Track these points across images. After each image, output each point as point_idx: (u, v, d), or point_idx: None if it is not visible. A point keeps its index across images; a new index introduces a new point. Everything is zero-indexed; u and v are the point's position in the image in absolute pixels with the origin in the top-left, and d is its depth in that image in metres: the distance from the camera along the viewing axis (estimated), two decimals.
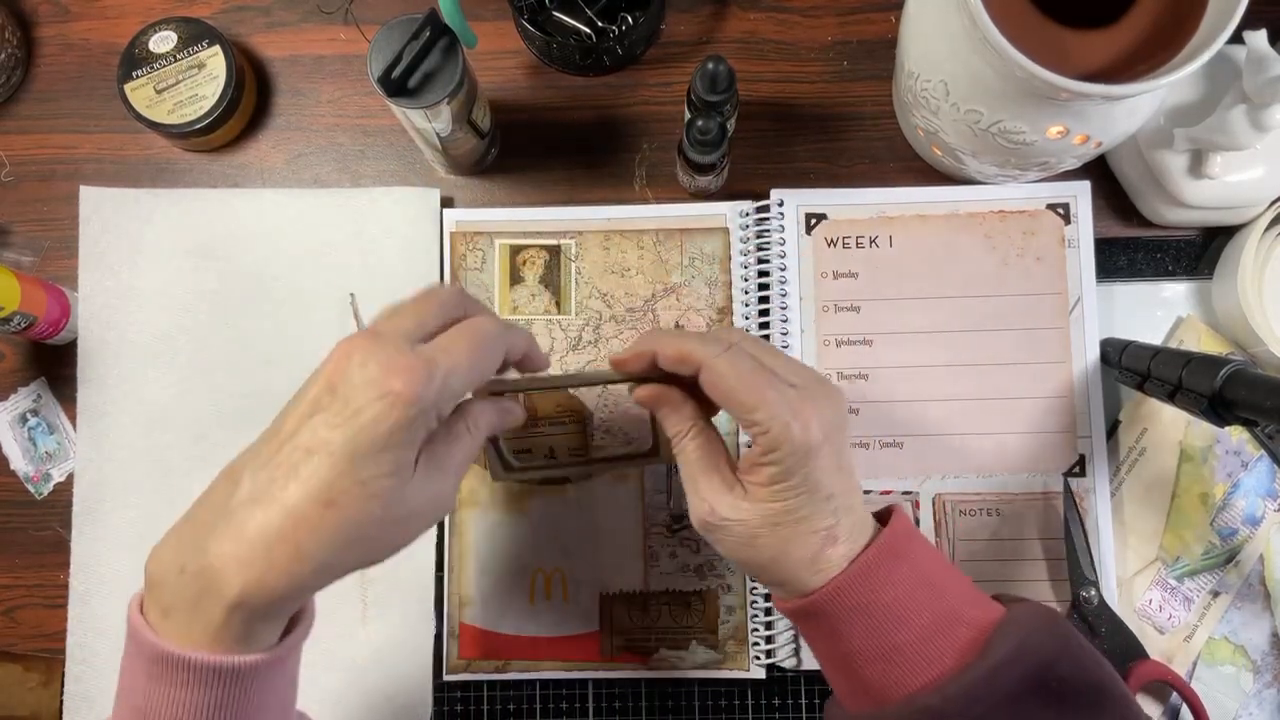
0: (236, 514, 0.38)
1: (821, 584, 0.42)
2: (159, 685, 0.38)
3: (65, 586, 0.60)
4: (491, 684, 0.60)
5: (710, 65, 0.53)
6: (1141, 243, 0.63)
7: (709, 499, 0.44)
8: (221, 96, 0.61)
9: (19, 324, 0.57)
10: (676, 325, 0.61)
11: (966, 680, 0.40)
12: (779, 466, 0.42)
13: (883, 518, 0.45)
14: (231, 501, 0.38)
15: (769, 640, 0.59)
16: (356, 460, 0.38)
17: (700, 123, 0.54)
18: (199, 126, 0.61)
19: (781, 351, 0.46)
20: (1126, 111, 0.51)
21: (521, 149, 0.64)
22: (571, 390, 0.61)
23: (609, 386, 0.61)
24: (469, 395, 0.47)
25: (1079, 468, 0.59)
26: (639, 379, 0.48)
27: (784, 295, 0.61)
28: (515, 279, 0.62)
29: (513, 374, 0.49)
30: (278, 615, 0.39)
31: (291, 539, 0.37)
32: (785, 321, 0.60)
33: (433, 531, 0.60)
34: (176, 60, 0.61)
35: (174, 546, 0.39)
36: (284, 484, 0.38)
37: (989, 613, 0.43)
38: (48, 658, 0.61)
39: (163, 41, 0.62)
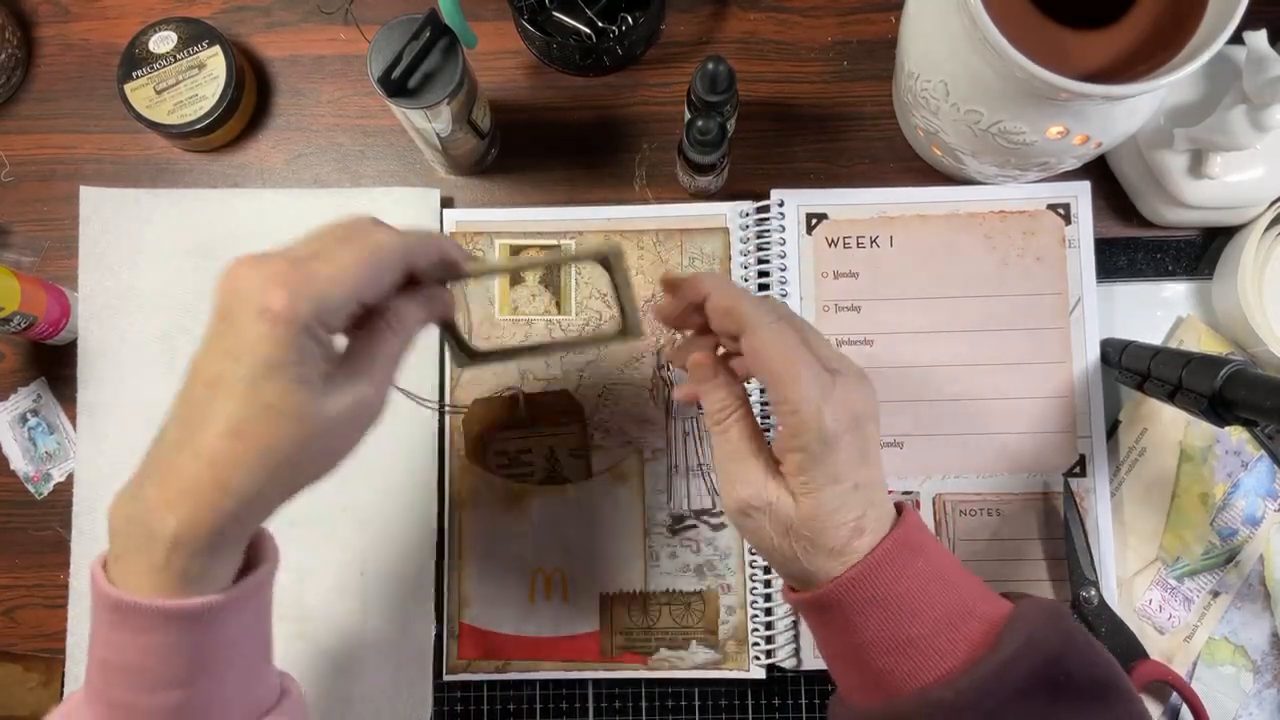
0: (164, 457, 0.39)
1: (842, 573, 0.42)
2: (118, 633, 0.39)
3: (65, 586, 0.60)
4: (491, 684, 0.60)
5: (710, 65, 0.53)
6: (1141, 243, 0.63)
7: (754, 482, 0.43)
8: (221, 97, 0.61)
9: (19, 324, 0.57)
10: None
11: (978, 674, 0.40)
12: (803, 453, 0.42)
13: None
14: (161, 445, 0.39)
15: (769, 640, 0.59)
16: (255, 385, 0.37)
17: (700, 123, 0.54)
18: (199, 127, 0.61)
19: (824, 337, 0.46)
20: (1126, 111, 0.51)
21: (521, 149, 0.64)
22: (572, 390, 0.61)
23: (609, 388, 0.61)
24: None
25: (1079, 468, 0.59)
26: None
27: (784, 295, 0.61)
28: (515, 279, 0.62)
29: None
30: (221, 552, 0.39)
31: (211, 476, 0.37)
32: None
33: (433, 531, 0.60)
34: (176, 60, 0.61)
35: (123, 496, 0.40)
36: (197, 422, 0.38)
37: (998, 607, 0.43)
38: (48, 658, 0.61)
39: (163, 41, 0.62)
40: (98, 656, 0.40)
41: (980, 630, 0.42)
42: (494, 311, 0.62)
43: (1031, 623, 0.41)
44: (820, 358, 0.43)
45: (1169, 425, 0.60)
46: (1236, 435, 0.60)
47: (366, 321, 0.42)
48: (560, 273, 0.62)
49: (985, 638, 0.41)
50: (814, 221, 0.62)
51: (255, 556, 0.42)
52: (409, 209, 0.62)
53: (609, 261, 0.48)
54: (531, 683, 0.60)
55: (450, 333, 0.51)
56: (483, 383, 0.61)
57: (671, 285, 0.47)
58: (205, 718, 0.40)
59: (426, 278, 0.45)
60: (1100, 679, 0.41)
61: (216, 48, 0.61)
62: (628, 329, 0.51)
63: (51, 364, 0.63)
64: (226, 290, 0.39)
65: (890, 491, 0.59)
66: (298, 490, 0.40)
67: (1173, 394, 0.51)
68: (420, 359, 0.61)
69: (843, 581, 0.42)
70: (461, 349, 0.52)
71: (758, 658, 0.59)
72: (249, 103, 0.64)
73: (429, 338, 0.61)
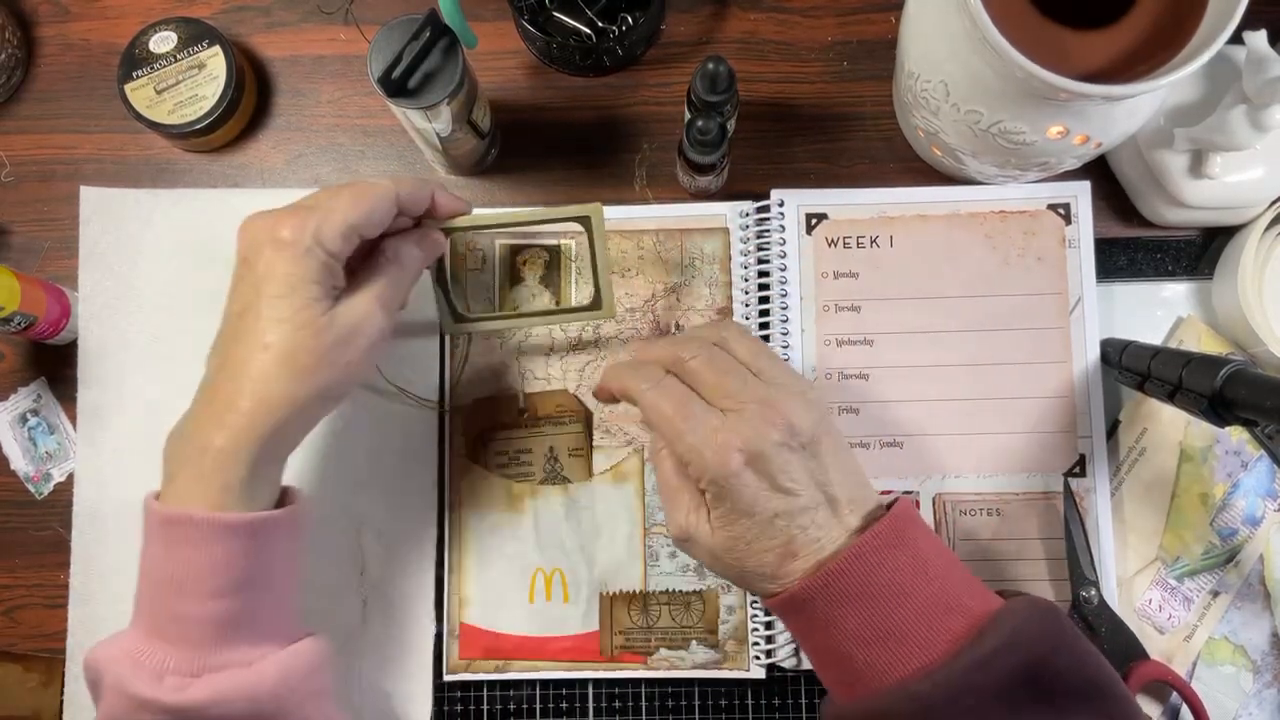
0: (209, 383, 0.46)
1: (779, 590, 0.44)
2: (170, 549, 0.43)
3: (65, 586, 0.60)
4: (491, 684, 0.60)
5: (710, 65, 0.53)
6: (1141, 243, 0.63)
7: (677, 517, 0.46)
8: (221, 97, 0.61)
9: (19, 324, 0.57)
10: (676, 325, 0.61)
11: (958, 667, 0.40)
12: (709, 493, 0.44)
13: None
14: (205, 377, 0.46)
15: (769, 640, 0.59)
16: (274, 303, 0.45)
17: (700, 123, 0.54)
18: (199, 127, 0.61)
19: (749, 357, 0.47)
20: (1126, 111, 0.51)
21: (521, 149, 0.64)
22: (571, 390, 0.61)
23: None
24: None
25: (1079, 468, 0.59)
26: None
27: (784, 295, 0.61)
28: (515, 279, 0.62)
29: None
30: (261, 468, 0.45)
31: (248, 388, 0.44)
32: (785, 321, 0.60)
33: (433, 531, 0.60)
34: (176, 60, 0.61)
35: (179, 424, 0.46)
36: (231, 347, 0.45)
37: (986, 603, 0.43)
38: (48, 658, 0.61)
39: (163, 42, 0.62)
40: (146, 576, 0.45)
41: (964, 624, 0.42)
42: (494, 310, 0.62)
43: (1018, 619, 0.41)
44: (716, 400, 0.45)
45: (1169, 425, 0.60)
46: (1236, 435, 0.60)
47: (372, 259, 0.49)
48: (559, 272, 0.62)
49: (969, 632, 0.41)
50: (814, 221, 0.62)
51: (288, 501, 0.48)
52: None
53: (589, 221, 0.54)
54: (531, 683, 0.60)
55: (442, 287, 0.57)
56: (483, 383, 0.61)
57: (598, 395, 0.52)
58: (247, 630, 0.45)
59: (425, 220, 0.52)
60: (1090, 680, 0.41)
61: (216, 48, 0.61)
62: (598, 303, 0.57)
63: (51, 364, 0.63)
64: (244, 238, 0.47)
65: (889, 492, 0.60)
66: (326, 402, 0.47)
67: (1173, 394, 0.51)
68: (420, 359, 0.61)
69: (815, 579, 0.43)
70: (450, 309, 0.57)
71: (758, 657, 0.59)
72: (249, 103, 0.64)
73: (430, 341, 0.61)
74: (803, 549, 0.43)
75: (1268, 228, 0.59)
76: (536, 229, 0.62)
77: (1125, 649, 0.57)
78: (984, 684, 0.39)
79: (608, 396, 0.51)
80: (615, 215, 0.62)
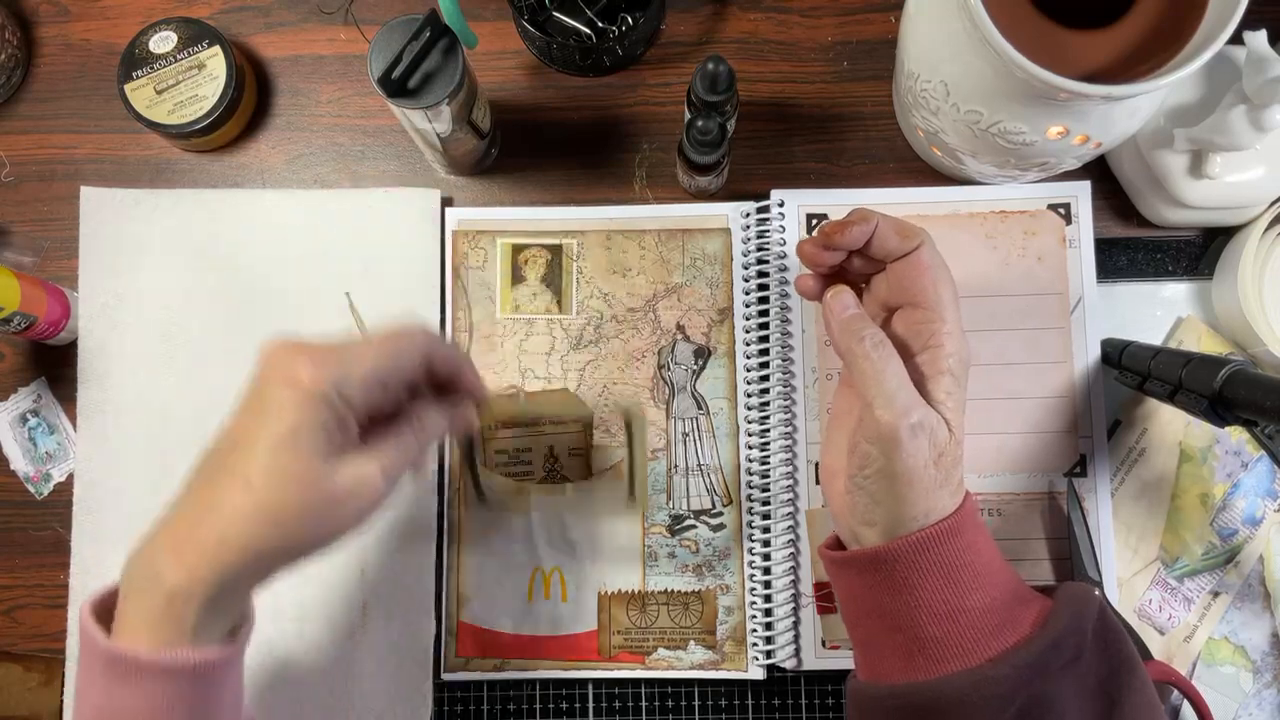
0: (176, 508, 0.42)
1: (917, 529, 0.43)
2: (112, 685, 0.40)
3: (65, 586, 0.60)
4: (490, 683, 0.60)
5: (710, 65, 0.53)
6: (1141, 243, 0.63)
7: (920, 403, 0.44)
8: (221, 97, 0.61)
9: (19, 324, 0.57)
10: (678, 326, 0.61)
11: (1034, 649, 0.41)
12: (950, 376, 0.45)
13: None
14: (180, 495, 0.42)
15: (768, 640, 0.59)
16: (273, 447, 0.40)
17: (700, 123, 0.54)
18: (199, 127, 0.61)
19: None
20: (1126, 112, 0.51)
21: (521, 149, 0.64)
22: (572, 390, 0.61)
23: (609, 387, 0.61)
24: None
25: (1080, 467, 0.59)
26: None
27: (785, 296, 0.61)
28: (517, 278, 0.62)
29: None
30: (217, 607, 0.41)
31: (214, 525, 0.40)
32: (786, 322, 0.60)
33: (433, 529, 0.60)
34: (176, 60, 0.61)
35: (139, 540, 0.42)
36: (213, 476, 0.42)
37: (1035, 594, 0.45)
38: (48, 658, 0.61)
39: (163, 42, 0.62)
40: (94, 703, 0.41)
41: (1034, 613, 0.43)
42: (495, 310, 0.62)
43: (1077, 603, 0.43)
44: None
45: (1169, 425, 0.60)
46: (1236, 435, 0.60)
47: (395, 420, 0.45)
48: (561, 272, 0.62)
49: (1040, 615, 0.43)
50: (814, 221, 0.62)
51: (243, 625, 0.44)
52: (409, 209, 0.62)
53: (629, 424, 0.59)
54: (530, 682, 0.60)
55: (470, 469, 0.60)
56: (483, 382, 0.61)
57: (841, 229, 0.48)
58: None
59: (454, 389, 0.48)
60: (1129, 656, 0.44)
61: (216, 48, 0.61)
62: (631, 493, 0.59)
63: (51, 364, 0.63)
64: (261, 364, 0.42)
65: None
66: (295, 557, 0.42)
67: (1173, 394, 0.51)
68: None
69: (918, 537, 0.43)
70: (477, 489, 0.60)
71: (756, 658, 0.59)
72: (249, 103, 0.64)
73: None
74: (958, 486, 0.45)
75: (1268, 228, 0.59)
76: (538, 237, 0.62)
77: None
78: (1058, 658, 0.41)
79: (859, 235, 0.48)
80: (616, 215, 0.62)
